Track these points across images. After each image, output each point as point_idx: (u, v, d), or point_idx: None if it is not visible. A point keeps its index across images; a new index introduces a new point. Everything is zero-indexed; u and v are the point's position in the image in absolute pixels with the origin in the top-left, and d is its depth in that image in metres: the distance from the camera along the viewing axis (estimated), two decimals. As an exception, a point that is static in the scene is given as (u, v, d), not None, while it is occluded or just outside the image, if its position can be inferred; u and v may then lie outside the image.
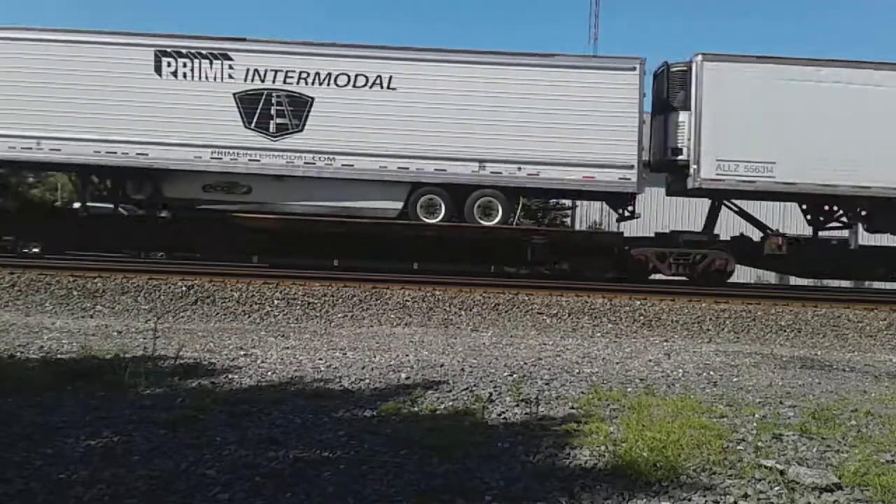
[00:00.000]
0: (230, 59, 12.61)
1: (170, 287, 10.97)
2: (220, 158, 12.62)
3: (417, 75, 12.67)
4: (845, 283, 21.88)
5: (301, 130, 12.63)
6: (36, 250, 16.47)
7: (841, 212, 13.83)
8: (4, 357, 6.05)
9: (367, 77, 12.60)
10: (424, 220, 12.85)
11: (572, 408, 4.69)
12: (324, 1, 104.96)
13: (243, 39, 12.82)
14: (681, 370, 6.71)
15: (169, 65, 12.61)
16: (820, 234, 14.44)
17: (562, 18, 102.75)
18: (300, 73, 12.61)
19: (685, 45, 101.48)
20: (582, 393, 5.24)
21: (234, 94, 12.61)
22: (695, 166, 12.74)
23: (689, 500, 2.99)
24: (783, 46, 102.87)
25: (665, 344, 9.14)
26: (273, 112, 12.65)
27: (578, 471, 3.34)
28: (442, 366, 6.37)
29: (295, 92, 12.62)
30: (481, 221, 12.91)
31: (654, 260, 13.32)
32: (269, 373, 5.75)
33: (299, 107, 12.62)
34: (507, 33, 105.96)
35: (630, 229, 15.39)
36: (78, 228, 13.91)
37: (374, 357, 6.77)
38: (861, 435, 4.18)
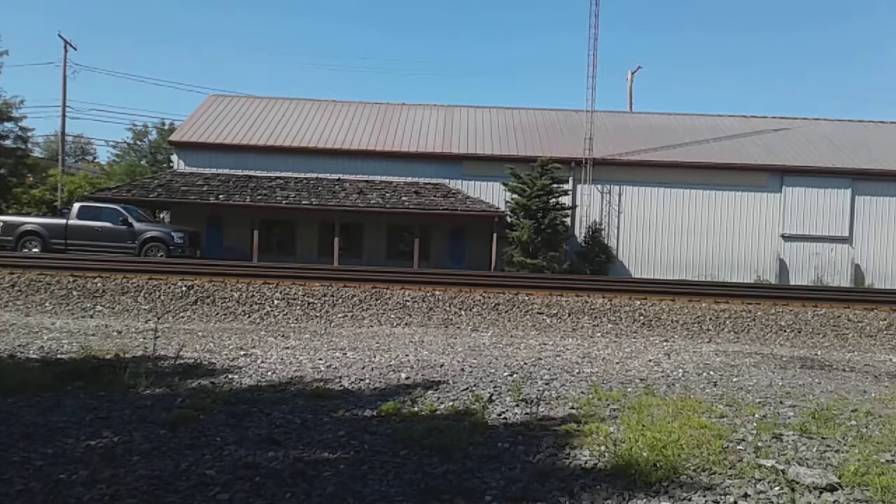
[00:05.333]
0: None
1: (170, 287, 10.98)
2: None
3: None
4: (845, 283, 21.93)
5: None
6: (36, 250, 16.49)
7: None
8: (4, 357, 6.06)
9: None
10: None
11: (572, 408, 4.69)
12: (307, 9, 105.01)
13: None
14: (681, 370, 6.71)
15: None
16: None
17: (559, 31, 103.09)
18: None
19: (688, 56, 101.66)
20: (582, 393, 5.24)
21: None
22: None
23: (689, 500, 2.99)
24: (792, 58, 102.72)
25: (665, 344, 9.13)
26: None
27: (578, 471, 3.34)
28: (442, 366, 6.37)
29: None
30: None
31: None
32: (269, 373, 5.75)
33: None
34: (505, 46, 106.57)
35: None
36: None
37: (374, 357, 6.77)
38: (861, 435, 4.18)
